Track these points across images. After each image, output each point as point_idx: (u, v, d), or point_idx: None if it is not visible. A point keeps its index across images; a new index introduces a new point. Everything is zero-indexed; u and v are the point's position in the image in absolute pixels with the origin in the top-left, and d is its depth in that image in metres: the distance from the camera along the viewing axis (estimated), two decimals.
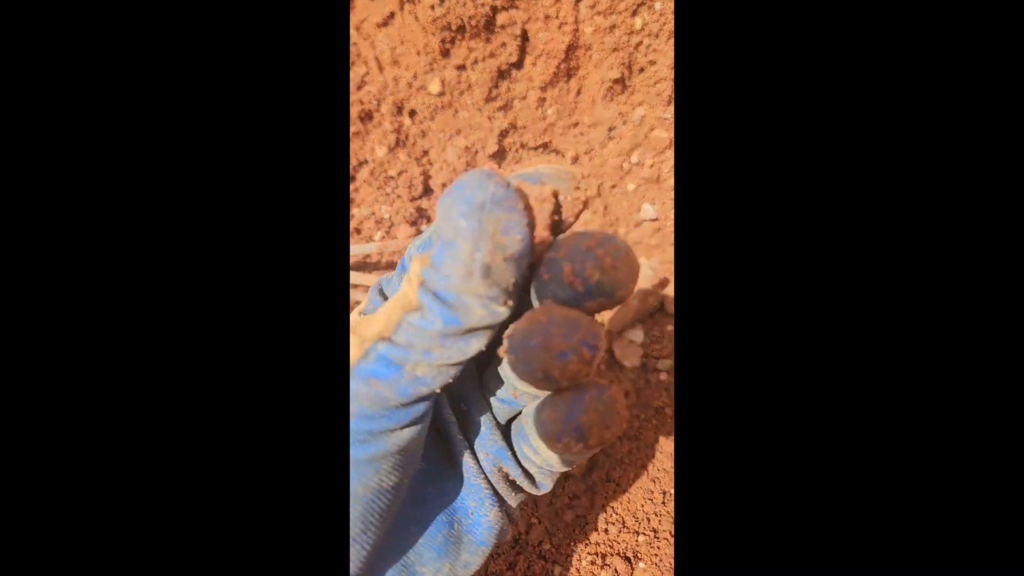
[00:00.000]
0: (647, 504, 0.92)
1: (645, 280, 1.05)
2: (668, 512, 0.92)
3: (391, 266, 1.13)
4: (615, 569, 0.86)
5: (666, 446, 0.97)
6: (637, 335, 1.08)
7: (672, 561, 0.88)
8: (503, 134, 1.19)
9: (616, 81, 1.16)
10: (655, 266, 1.08)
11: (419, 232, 1.15)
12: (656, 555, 0.89)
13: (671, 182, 1.14)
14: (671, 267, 1.11)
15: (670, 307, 1.07)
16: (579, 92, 1.19)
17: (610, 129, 1.17)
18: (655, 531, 0.91)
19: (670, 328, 1.08)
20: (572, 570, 0.86)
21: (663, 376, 1.04)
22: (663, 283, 1.08)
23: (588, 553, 0.88)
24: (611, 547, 0.89)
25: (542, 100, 1.19)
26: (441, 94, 1.19)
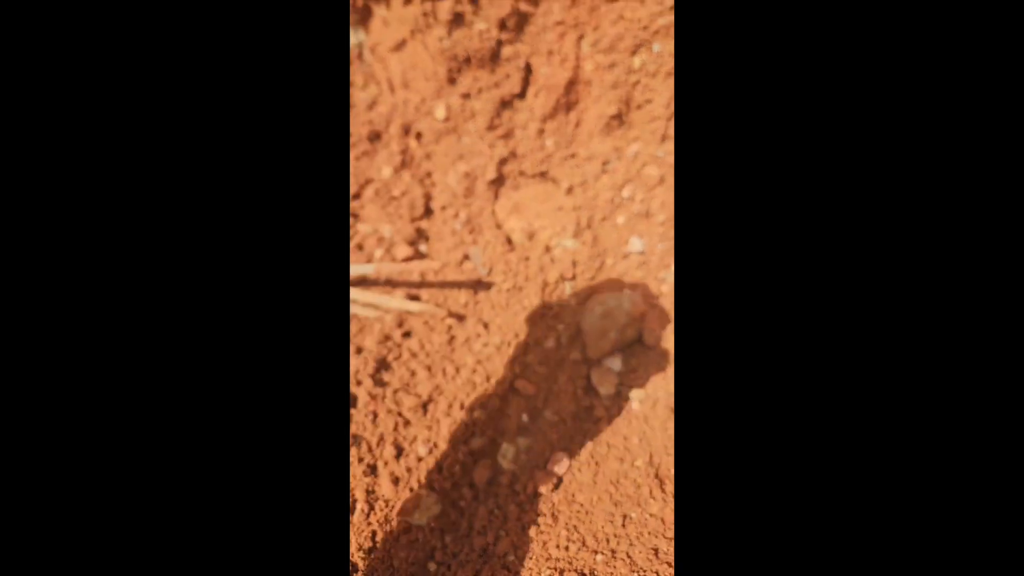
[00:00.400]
0: (607, 526, 0.99)
1: (628, 311, 1.11)
2: (626, 534, 0.99)
3: (387, 284, 1.20)
4: None
5: (630, 472, 1.04)
6: (615, 363, 1.14)
7: None
8: (503, 162, 1.24)
9: (613, 117, 1.21)
10: (636, 299, 1.13)
11: (417, 252, 1.22)
12: (611, 574, 0.96)
13: (660, 217, 1.19)
14: (654, 300, 1.16)
15: (648, 339, 1.13)
16: (578, 125, 1.24)
17: (604, 163, 1.22)
18: (613, 551, 0.98)
19: (646, 359, 1.13)
20: None
21: (634, 406, 1.10)
22: (643, 316, 1.14)
23: (548, 567, 0.95)
24: (569, 563, 0.96)
25: (542, 131, 1.24)
26: (446, 120, 1.24)
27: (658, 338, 1.14)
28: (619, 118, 1.21)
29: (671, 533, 1.00)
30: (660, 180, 1.20)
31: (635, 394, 1.11)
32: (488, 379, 1.11)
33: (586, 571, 0.96)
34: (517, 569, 0.96)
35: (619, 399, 1.12)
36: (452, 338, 1.16)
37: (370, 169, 1.26)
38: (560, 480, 1.04)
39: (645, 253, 1.19)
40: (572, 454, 1.06)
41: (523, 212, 1.21)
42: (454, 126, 1.25)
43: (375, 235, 1.22)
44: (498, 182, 1.25)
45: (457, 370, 1.12)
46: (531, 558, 0.97)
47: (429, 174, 1.27)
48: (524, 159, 1.25)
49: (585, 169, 1.23)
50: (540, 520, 1.00)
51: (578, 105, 1.23)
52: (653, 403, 1.10)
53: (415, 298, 1.16)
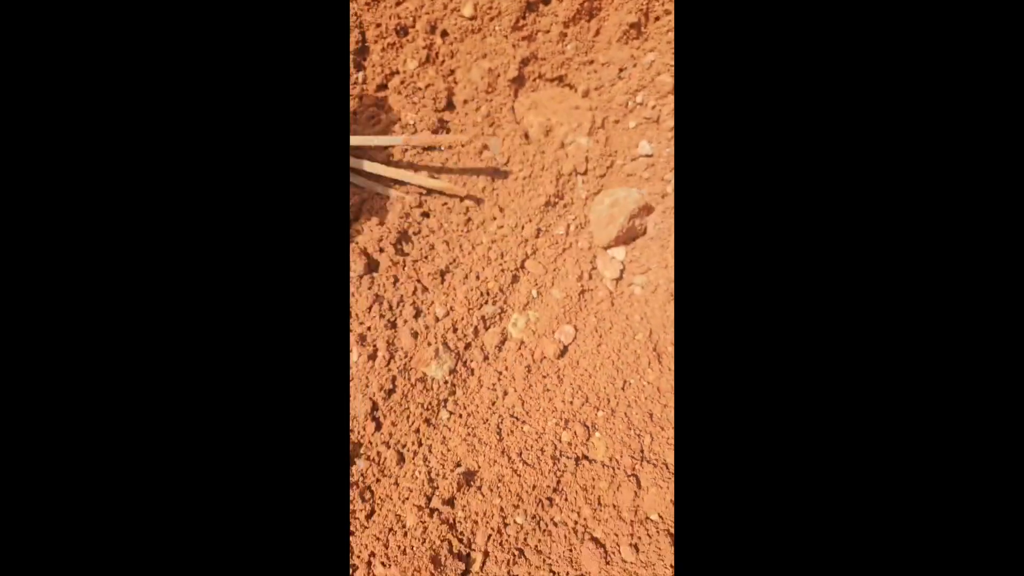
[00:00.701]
0: (608, 388, 1.08)
1: (634, 204, 1.18)
2: (625, 397, 1.07)
3: (410, 166, 1.25)
4: (574, 432, 1.02)
5: (631, 345, 1.12)
6: (620, 253, 1.21)
7: (624, 435, 1.04)
8: (524, 62, 1.30)
9: (632, 26, 1.27)
10: (646, 196, 1.21)
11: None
12: (611, 428, 1.05)
13: (669, 123, 1.26)
14: (658, 198, 1.24)
15: (652, 231, 1.21)
16: (598, 32, 1.30)
17: (620, 70, 1.29)
18: (613, 410, 1.06)
19: (648, 251, 1.21)
20: (540, 427, 1.02)
21: (636, 291, 1.19)
22: (648, 210, 1.21)
23: (554, 418, 1.03)
24: (573, 415, 1.04)
25: (563, 35, 1.30)
26: (473, 18, 1.29)
27: (661, 232, 1.22)
28: (637, 28, 1.28)
29: (665, 400, 1.09)
30: (672, 89, 1.27)
31: (638, 279, 1.19)
32: (502, 256, 1.17)
33: (588, 424, 1.04)
34: (524, 419, 1.03)
35: (622, 283, 1.20)
36: (469, 219, 1.22)
37: (396, 61, 1.31)
38: (566, 348, 1.11)
39: (653, 156, 1.26)
40: (577, 327, 1.14)
41: (541, 109, 1.28)
42: (479, 25, 1.30)
43: (399, 123, 1.27)
44: (518, 81, 1.31)
45: (473, 247, 1.18)
46: (538, 410, 1.04)
47: (452, 71, 1.32)
48: (544, 62, 1.31)
49: (602, 74, 1.29)
50: (546, 380, 1.08)
51: (599, 13, 1.29)
52: (654, 288, 1.18)
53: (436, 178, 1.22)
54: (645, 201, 1.19)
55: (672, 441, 1.05)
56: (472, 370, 1.08)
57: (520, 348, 1.11)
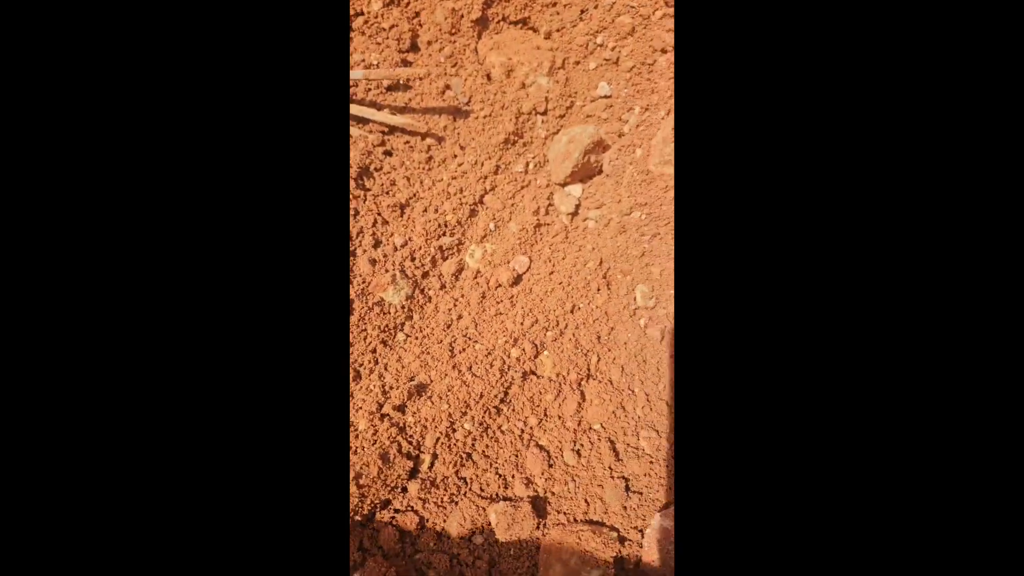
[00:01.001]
0: (558, 311, 1.13)
1: (588, 141, 1.22)
2: (574, 320, 1.13)
3: (372, 105, 1.29)
4: (523, 349, 1.08)
5: (581, 272, 1.17)
6: (576, 190, 1.26)
7: (572, 354, 1.10)
8: (488, 4, 1.33)
9: None
10: (601, 132, 1.25)
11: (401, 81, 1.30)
12: (559, 347, 1.11)
13: (628, 63, 1.30)
14: (615, 137, 1.28)
15: (607, 168, 1.25)
16: None
17: (582, 11, 1.31)
18: (562, 331, 1.12)
19: (604, 188, 1.26)
20: (491, 345, 1.08)
21: (590, 224, 1.24)
22: (604, 147, 1.26)
23: (504, 336, 1.09)
24: (523, 335, 1.10)
25: None
26: None
27: (616, 169, 1.26)
28: None
29: (611, 323, 1.15)
30: (631, 31, 1.30)
31: (592, 214, 1.24)
32: (461, 191, 1.22)
33: (537, 343, 1.10)
34: (476, 339, 1.10)
35: (577, 218, 1.25)
36: (430, 157, 1.26)
37: (360, 2, 1.33)
38: (520, 276, 1.17)
39: (612, 96, 1.30)
40: (532, 258, 1.19)
41: (503, 50, 1.31)
42: None
43: (363, 63, 1.30)
44: (482, 23, 1.33)
45: (433, 183, 1.23)
46: (490, 331, 1.10)
47: (417, 13, 1.35)
48: (508, 3, 1.34)
49: (564, 16, 1.32)
50: (499, 305, 1.14)
51: None
52: (607, 222, 1.23)
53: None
54: (600, 136, 1.24)
55: (618, 361, 1.12)
56: (429, 297, 1.14)
57: (476, 277, 1.17)
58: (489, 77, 1.32)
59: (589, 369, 1.11)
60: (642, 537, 0.95)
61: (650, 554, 0.94)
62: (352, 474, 0.91)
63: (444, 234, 1.18)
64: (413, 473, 0.97)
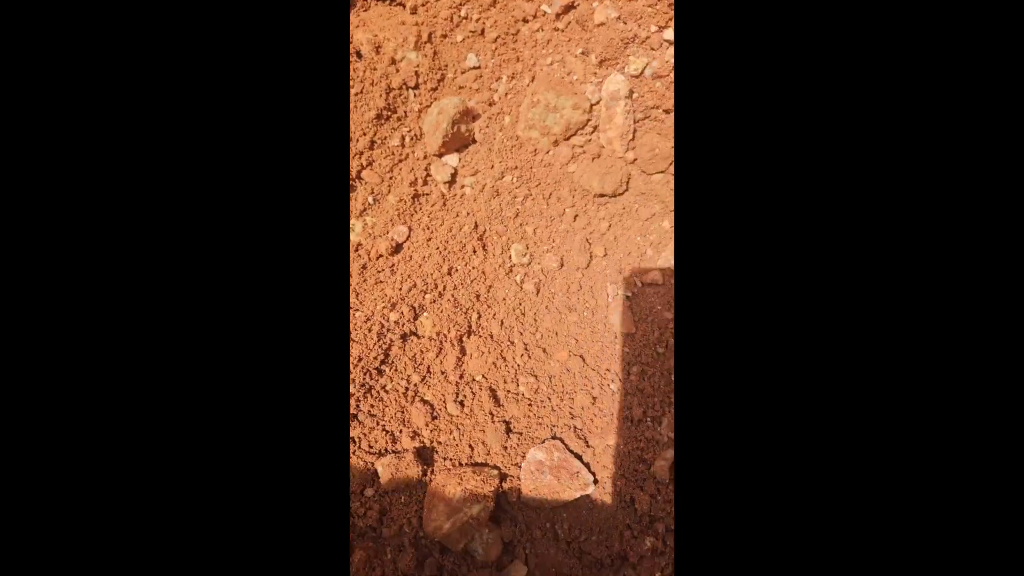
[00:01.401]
0: (436, 274, 1.19)
1: (454, 111, 1.28)
2: (452, 281, 1.20)
3: None
4: (401, 312, 1.14)
5: (457, 236, 1.23)
6: (452, 160, 1.32)
7: (451, 313, 1.16)
8: None
9: None
10: (468, 102, 1.30)
11: None
12: (438, 308, 1.17)
13: (493, 34, 1.35)
14: (486, 106, 1.34)
15: (479, 137, 1.31)
16: None
17: None
18: (440, 293, 1.18)
19: (478, 156, 1.32)
20: (369, 312, 1.13)
21: (467, 191, 1.30)
22: (473, 116, 1.31)
23: (382, 302, 1.15)
24: (402, 299, 1.16)
25: None
26: None
27: (487, 137, 1.32)
28: None
29: (489, 282, 1.22)
30: (494, 2, 1.36)
31: (467, 180, 1.30)
32: None
33: (415, 306, 1.16)
34: (357, 308, 1.14)
35: (455, 187, 1.31)
36: None
37: None
38: (400, 246, 1.22)
39: (480, 68, 1.35)
40: (411, 227, 1.24)
41: (369, 27, 1.33)
42: None
43: None
44: (349, 2, 1.35)
45: None
46: (370, 300, 1.15)
47: None
48: None
49: None
50: (380, 274, 1.18)
51: None
52: (482, 187, 1.29)
53: None
54: (467, 106, 1.29)
55: (498, 316, 1.19)
56: None
57: (357, 250, 1.21)
58: (359, 55, 1.34)
59: (470, 325, 1.17)
60: (520, 472, 1.04)
61: (527, 485, 1.02)
62: None
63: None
64: None
